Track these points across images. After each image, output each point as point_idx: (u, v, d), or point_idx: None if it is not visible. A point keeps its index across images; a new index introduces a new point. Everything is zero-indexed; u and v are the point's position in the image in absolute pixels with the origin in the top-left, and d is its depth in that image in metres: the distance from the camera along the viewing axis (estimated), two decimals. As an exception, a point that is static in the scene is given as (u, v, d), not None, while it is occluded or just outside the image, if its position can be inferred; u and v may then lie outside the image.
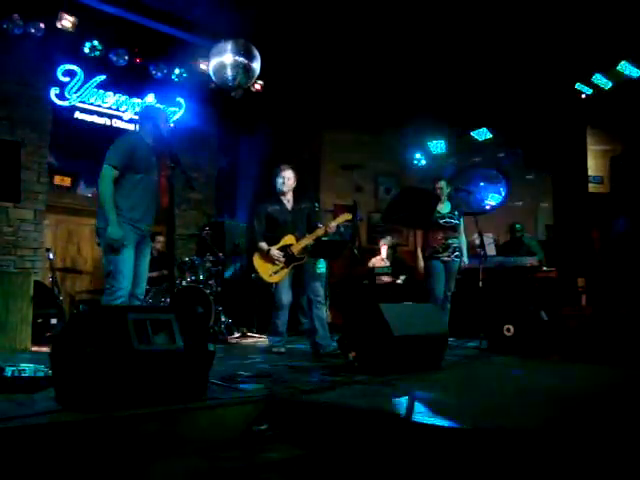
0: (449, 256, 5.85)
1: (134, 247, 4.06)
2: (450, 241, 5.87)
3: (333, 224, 5.12)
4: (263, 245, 5.11)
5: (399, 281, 7.81)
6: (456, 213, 5.97)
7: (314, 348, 5.01)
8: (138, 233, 4.09)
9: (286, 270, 5.07)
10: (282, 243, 5.11)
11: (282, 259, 5.04)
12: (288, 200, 5.26)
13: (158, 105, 7.96)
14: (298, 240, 5.11)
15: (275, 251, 5.05)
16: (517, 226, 7.88)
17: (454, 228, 5.93)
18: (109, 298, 3.93)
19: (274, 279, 5.10)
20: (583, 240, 8.25)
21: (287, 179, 5.20)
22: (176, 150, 3.98)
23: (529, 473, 2.00)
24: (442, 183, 5.98)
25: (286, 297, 5.09)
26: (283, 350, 5.09)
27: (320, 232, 5.10)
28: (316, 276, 5.30)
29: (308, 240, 5.09)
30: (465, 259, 6.02)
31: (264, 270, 5.11)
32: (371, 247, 9.04)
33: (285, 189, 5.21)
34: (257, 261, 5.15)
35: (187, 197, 8.56)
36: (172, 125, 8.40)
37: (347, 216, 5.26)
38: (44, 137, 7.38)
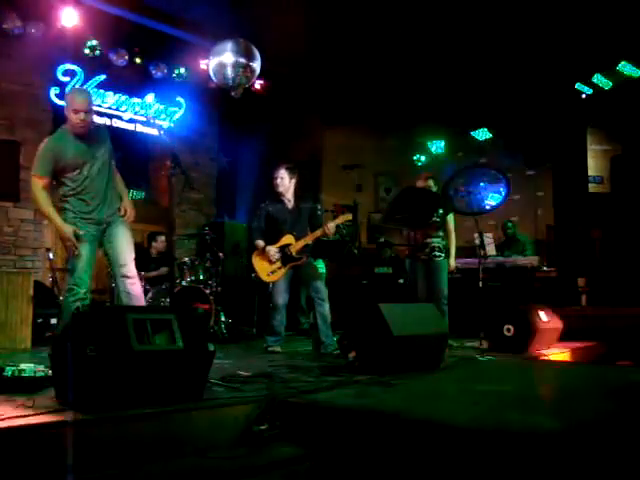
0: (427, 255, 5.74)
1: (92, 242, 4.05)
2: (428, 240, 5.75)
3: (332, 224, 5.09)
4: (260, 242, 5.14)
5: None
6: (440, 211, 5.91)
7: (316, 345, 5.02)
8: (94, 225, 4.06)
9: (283, 270, 5.06)
10: (281, 243, 5.11)
11: (278, 257, 5.05)
12: (289, 200, 5.26)
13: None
14: (297, 240, 5.11)
15: (271, 249, 5.06)
16: (509, 224, 7.89)
17: (434, 226, 5.78)
18: (67, 295, 3.99)
19: (271, 278, 5.11)
20: (583, 240, 8.26)
21: (280, 179, 5.20)
22: (176, 150, 3.97)
23: (526, 474, 2.00)
24: (431, 182, 5.92)
25: (282, 298, 5.09)
26: (279, 349, 5.10)
27: (319, 233, 5.11)
28: (317, 275, 5.28)
29: (307, 240, 5.09)
30: (452, 261, 5.87)
31: (262, 269, 5.12)
32: (371, 247, 9.04)
33: (280, 189, 5.20)
34: (255, 259, 5.18)
35: (187, 197, 8.54)
36: (172, 125, 8.43)
37: (347, 216, 5.25)
38: (44, 137, 7.34)
